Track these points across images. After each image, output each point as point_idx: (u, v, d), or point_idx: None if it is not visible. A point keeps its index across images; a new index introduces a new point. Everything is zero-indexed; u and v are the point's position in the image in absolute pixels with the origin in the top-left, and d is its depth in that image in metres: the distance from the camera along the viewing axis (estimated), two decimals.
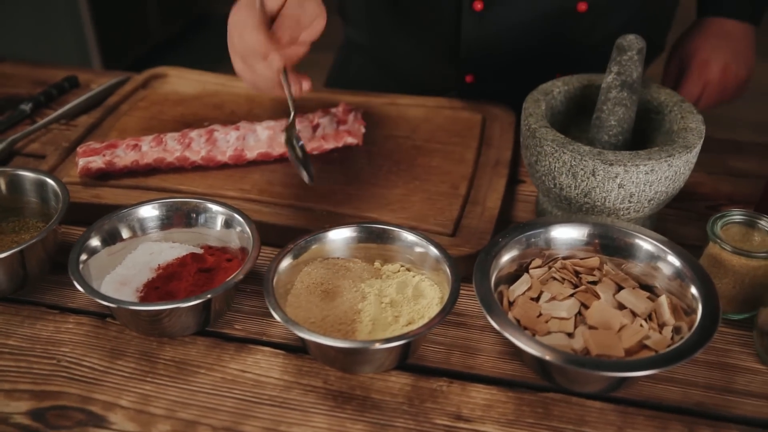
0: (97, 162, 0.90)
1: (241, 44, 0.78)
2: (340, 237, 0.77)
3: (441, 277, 0.74)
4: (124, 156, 0.91)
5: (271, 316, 0.75)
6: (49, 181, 0.83)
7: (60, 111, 1.09)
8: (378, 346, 0.65)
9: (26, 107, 1.11)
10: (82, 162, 0.90)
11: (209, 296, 0.70)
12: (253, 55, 0.77)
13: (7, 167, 0.85)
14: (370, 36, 1.15)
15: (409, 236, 0.76)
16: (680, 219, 0.90)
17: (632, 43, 0.79)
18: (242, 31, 0.77)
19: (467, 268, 0.79)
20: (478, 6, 1.01)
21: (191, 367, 0.72)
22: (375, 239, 0.77)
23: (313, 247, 0.76)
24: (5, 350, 0.74)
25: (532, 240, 0.75)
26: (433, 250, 0.74)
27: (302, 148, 0.84)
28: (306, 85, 0.83)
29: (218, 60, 1.31)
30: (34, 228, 0.84)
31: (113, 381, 0.70)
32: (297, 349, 0.74)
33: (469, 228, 0.84)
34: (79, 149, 0.92)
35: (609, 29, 1.05)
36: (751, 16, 1.11)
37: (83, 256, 0.75)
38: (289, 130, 0.84)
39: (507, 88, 1.10)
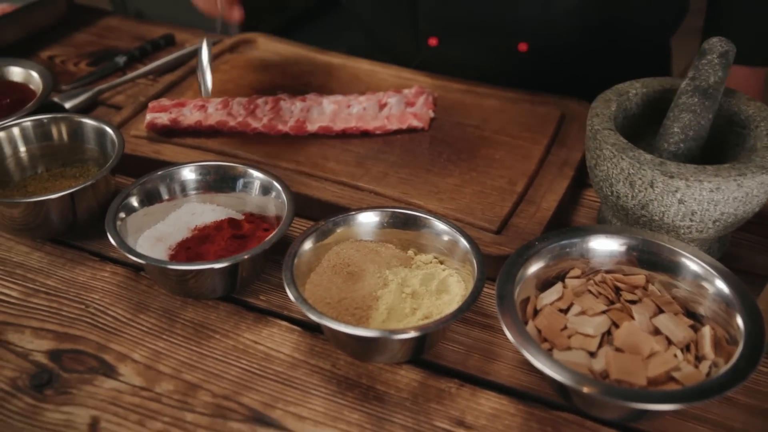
0: (163, 118, 0.92)
1: None
2: (368, 220, 0.74)
3: (468, 275, 0.70)
4: (189, 115, 0.92)
5: None
6: (108, 130, 0.85)
7: (148, 67, 1.12)
8: (369, 334, 0.62)
9: (120, 60, 1.15)
10: (149, 117, 0.92)
11: (230, 262, 0.70)
12: None
13: (75, 114, 0.88)
14: None
15: (439, 224, 0.72)
16: (758, 246, 0.82)
17: (714, 45, 0.72)
18: None
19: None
20: None
21: (207, 331, 0.72)
22: (405, 225, 0.74)
23: (342, 227, 0.74)
24: (42, 289, 0.76)
25: (569, 249, 0.70)
26: (463, 242, 0.70)
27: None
28: (237, 14, 0.89)
29: (340, 35, 1.31)
30: (94, 175, 0.86)
31: (131, 333, 0.72)
32: (313, 328, 0.72)
33: (516, 228, 0.80)
34: (150, 104, 0.94)
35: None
36: (764, 59, 1.04)
37: (123, 212, 0.76)
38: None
39: (474, 54, 1.06)
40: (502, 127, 0.95)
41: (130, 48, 1.19)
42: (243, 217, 0.80)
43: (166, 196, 0.80)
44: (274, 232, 0.73)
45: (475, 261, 0.69)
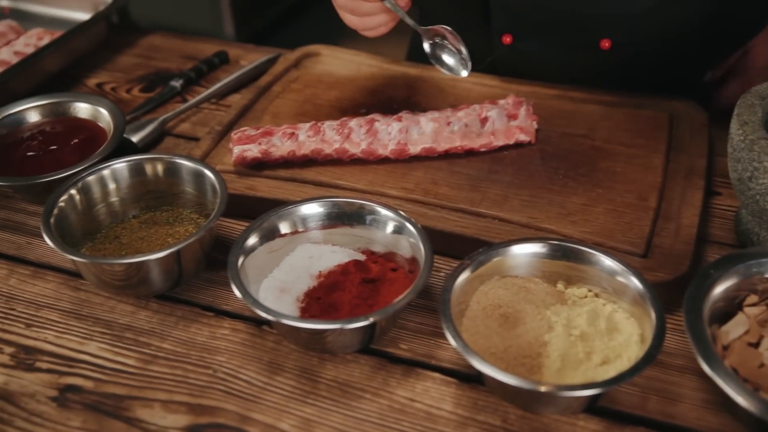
0: (253, 151, 0.85)
1: None
2: (524, 252, 0.69)
3: (636, 309, 0.65)
4: (281, 145, 0.86)
5: (440, 336, 0.68)
6: (207, 172, 0.78)
7: (211, 90, 1.04)
8: (578, 393, 0.57)
9: (177, 84, 1.07)
10: (237, 150, 0.85)
11: (377, 318, 0.63)
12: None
13: (164, 154, 0.81)
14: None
15: (607, 261, 0.67)
16: None
17: None
18: None
19: (662, 295, 0.70)
20: None
21: (355, 391, 0.66)
22: (563, 258, 0.68)
23: (493, 261, 0.69)
24: (161, 354, 0.70)
25: (752, 274, 0.65)
26: (635, 282, 0.65)
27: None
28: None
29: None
30: (188, 220, 0.80)
31: (272, 399, 0.65)
32: (471, 378, 0.66)
33: (662, 248, 0.74)
34: (234, 136, 0.87)
35: None
36: None
37: (241, 258, 0.70)
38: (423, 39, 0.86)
39: (551, 51, 1.00)
40: (612, 134, 0.89)
41: (184, 69, 1.11)
42: (364, 257, 0.74)
43: (283, 233, 0.74)
44: (417, 280, 0.66)
45: (649, 299, 0.63)
